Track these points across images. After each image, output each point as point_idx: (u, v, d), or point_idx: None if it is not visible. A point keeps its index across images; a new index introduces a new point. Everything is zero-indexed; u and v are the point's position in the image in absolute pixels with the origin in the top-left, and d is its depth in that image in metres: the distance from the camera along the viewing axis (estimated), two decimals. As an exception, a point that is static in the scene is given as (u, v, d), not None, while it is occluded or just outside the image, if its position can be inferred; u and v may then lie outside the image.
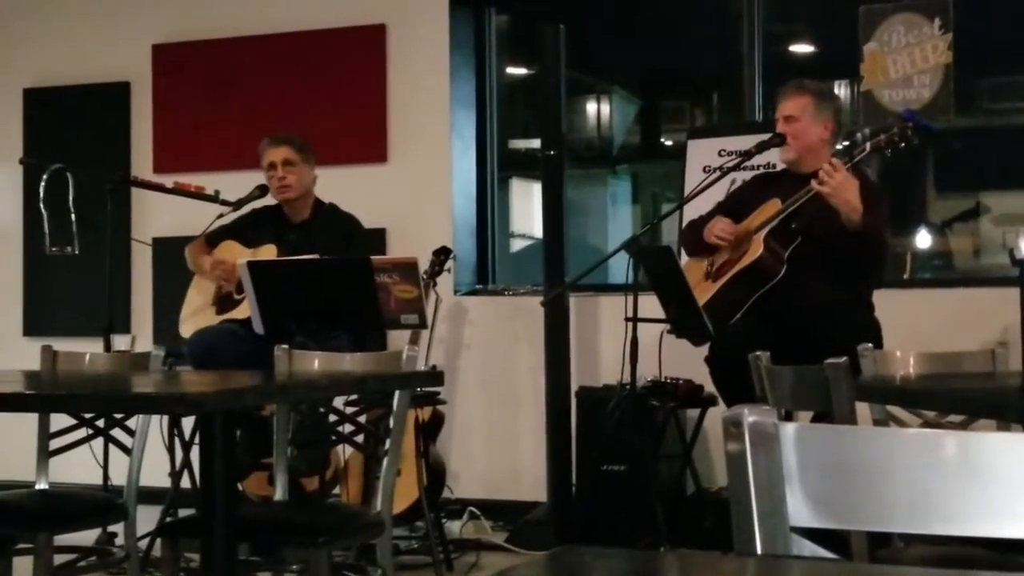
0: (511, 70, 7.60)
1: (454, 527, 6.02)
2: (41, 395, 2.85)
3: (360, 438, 4.18)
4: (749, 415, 1.34)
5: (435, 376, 3.75)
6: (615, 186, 9.33)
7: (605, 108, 9.16)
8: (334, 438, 4.27)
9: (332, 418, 3.92)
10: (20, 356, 7.16)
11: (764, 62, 6.64)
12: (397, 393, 3.57)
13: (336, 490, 5.61)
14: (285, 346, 3.88)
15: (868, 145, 4.64)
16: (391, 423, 3.64)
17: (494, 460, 6.61)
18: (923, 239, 7.15)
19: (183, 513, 5.21)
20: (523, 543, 5.72)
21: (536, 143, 6.58)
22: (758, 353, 2.97)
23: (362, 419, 4.15)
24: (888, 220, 4.86)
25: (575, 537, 5.59)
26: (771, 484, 1.34)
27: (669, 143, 8.87)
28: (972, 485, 1.31)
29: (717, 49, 7.21)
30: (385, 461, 3.63)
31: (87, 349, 6.02)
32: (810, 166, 4.82)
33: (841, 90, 8.90)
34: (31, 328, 7.41)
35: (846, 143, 5.32)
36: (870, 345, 3.54)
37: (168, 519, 5.09)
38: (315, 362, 3.84)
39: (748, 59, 6.61)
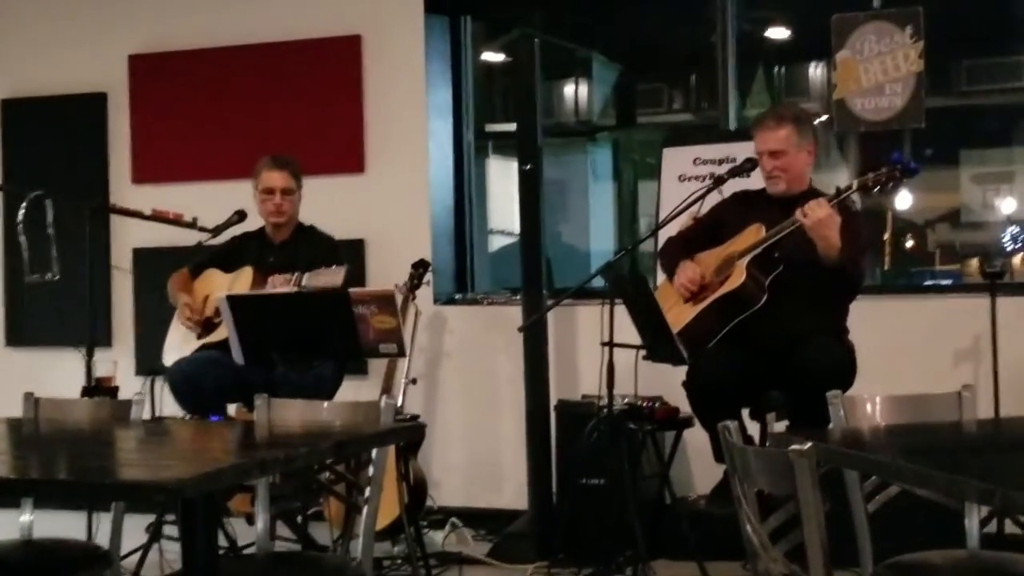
0: (486, 56, 7.58)
1: (437, 537, 6.09)
2: (22, 480, 2.92)
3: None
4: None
5: (415, 430, 3.79)
6: (595, 153, 9.38)
7: (584, 87, 9.23)
8: (314, 487, 4.31)
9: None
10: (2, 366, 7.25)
11: (739, 44, 6.67)
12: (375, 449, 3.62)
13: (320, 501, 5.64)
14: (265, 395, 3.93)
15: (855, 183, 4.76)
16: (371, 472, 3.69)
17: (475, 469, 6.67)
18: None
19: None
20: (505, 557, 5.79)
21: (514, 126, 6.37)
22: (727, 423, 3.01)
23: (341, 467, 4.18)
24: (868, 249, 4.95)
25: (556, 550, 5.67)
26: None
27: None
28: None
29: (693, 31, 7.26)
30: (364, 511, 3.68)
31: (69, 361, 6.10)
32: (795, 190, 4.93)
33: (817, 71, 8.96)
34: (13, 339, 7.46)
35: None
36: (839, 392, 3.61)
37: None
38: (294, 411, 3.90)
39: (721, 41, 6.63)
